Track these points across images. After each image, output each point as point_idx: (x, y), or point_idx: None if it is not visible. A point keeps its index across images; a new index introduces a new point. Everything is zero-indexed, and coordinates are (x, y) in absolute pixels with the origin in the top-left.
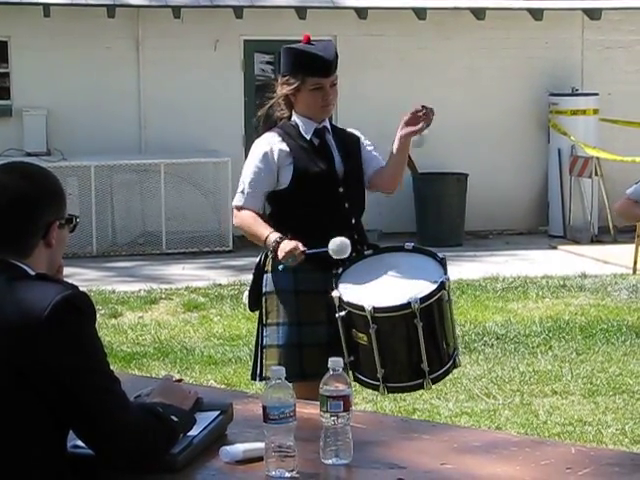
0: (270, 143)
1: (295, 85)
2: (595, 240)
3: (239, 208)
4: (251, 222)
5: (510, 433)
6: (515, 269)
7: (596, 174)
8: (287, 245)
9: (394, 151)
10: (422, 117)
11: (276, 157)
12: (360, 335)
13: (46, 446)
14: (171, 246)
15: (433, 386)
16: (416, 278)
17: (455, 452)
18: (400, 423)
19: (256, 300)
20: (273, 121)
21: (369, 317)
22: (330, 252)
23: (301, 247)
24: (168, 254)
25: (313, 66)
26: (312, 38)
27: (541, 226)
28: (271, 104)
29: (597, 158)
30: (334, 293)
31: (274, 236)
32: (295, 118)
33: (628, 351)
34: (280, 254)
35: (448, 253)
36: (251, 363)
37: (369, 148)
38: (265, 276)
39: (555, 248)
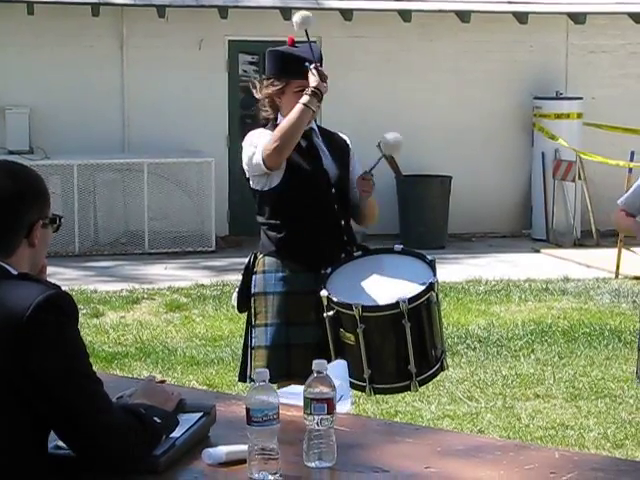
0: (266, 133)
1: (279, 87)
2: (578, 244)
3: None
4: (279, 127)
5: (494, 437)
6: (498, 272)
7: (579, 178)
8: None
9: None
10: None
11: None
12: (347, 335)
13: (27, 447)
14: (154, 246)
15: (419, 388)
16: (405, 279)
17: (439, 456)
18: (384, 426)
19: (245, 301)
20: (260, 122)
21: (357, 316)
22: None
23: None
24: (150, 254)
25: (298, 68)
26: (297, 39)
27: (524, 229)
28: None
29: (581, 162)
30: (322, 292)
31: (304, 98)
32: (281, 120)
33: (610, 355)
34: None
35: (431, 256)
36: (233, 364)
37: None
38: (254, 277)
39: (538, 251)
